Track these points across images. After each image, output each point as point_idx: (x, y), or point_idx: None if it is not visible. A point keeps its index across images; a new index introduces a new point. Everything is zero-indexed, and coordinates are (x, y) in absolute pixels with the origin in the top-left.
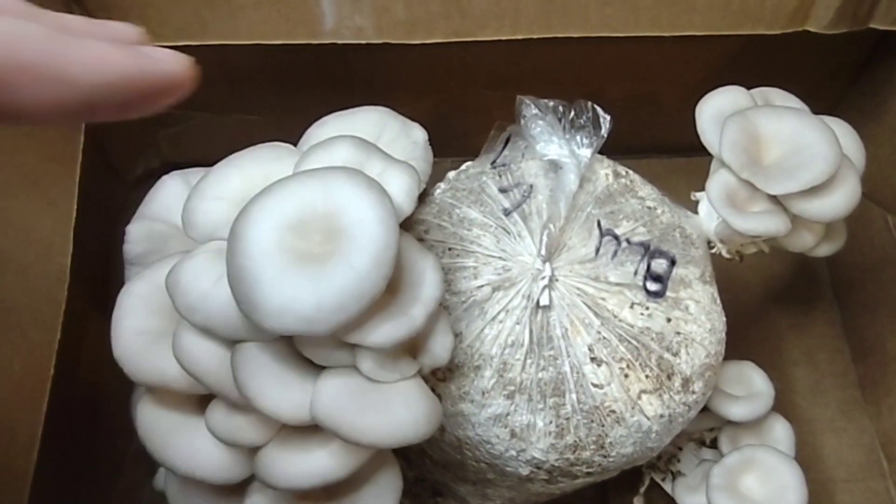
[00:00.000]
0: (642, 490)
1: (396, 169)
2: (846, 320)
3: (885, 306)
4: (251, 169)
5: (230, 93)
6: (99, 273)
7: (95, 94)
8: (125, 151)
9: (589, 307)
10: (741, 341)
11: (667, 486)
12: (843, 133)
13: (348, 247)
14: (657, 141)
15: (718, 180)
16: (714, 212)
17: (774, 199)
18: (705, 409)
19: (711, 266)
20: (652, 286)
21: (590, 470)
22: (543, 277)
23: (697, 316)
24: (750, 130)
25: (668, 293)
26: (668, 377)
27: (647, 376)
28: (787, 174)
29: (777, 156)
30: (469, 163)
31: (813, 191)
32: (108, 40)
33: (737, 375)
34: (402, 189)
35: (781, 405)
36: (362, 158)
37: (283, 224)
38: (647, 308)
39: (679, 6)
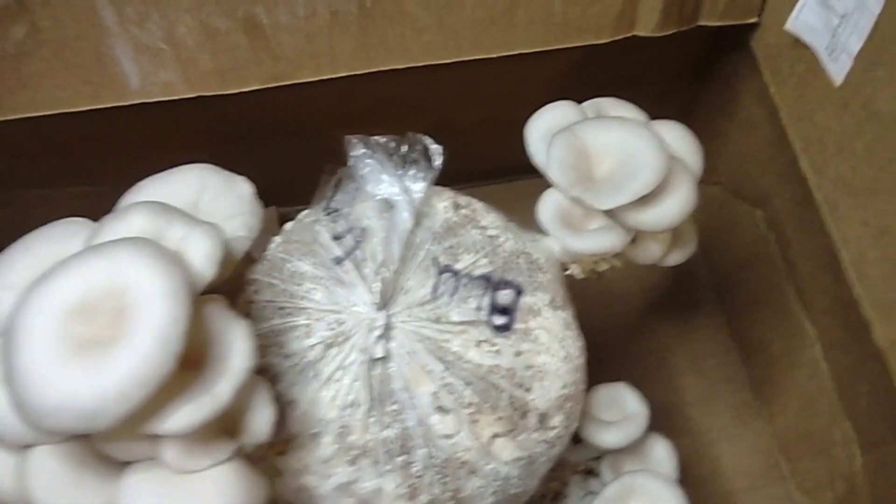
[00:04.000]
0: None
1: (199, 233)
2: (731, 322)
3: (764, 304)
4: (42, 249)
5: (58, 165)
6: None
7: None
8: None
9: (431, 353)
10: (624, 357)
11: None
12: (677, 136)
13: (132, 327)
14: (517, 162)
15: (549, 201)
16: None
17: (610, 213)
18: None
19: (564, 289)
20: (498, 320)
21: None
22: (377, 327)
23: (549, 345)
24: (578, 146)
25: (517, 325)
26: (523, 416)
27: (498, 418)
28: (616, 187)
29: (608, 169)
30: (305, 211)
31: (644, 201)
32: None
33: (609, 399)
34: (202, 254)
35: (672, 419)
36: (161, 225)
37: (63, 310)
38: (495, 344)
39: (498, 25)
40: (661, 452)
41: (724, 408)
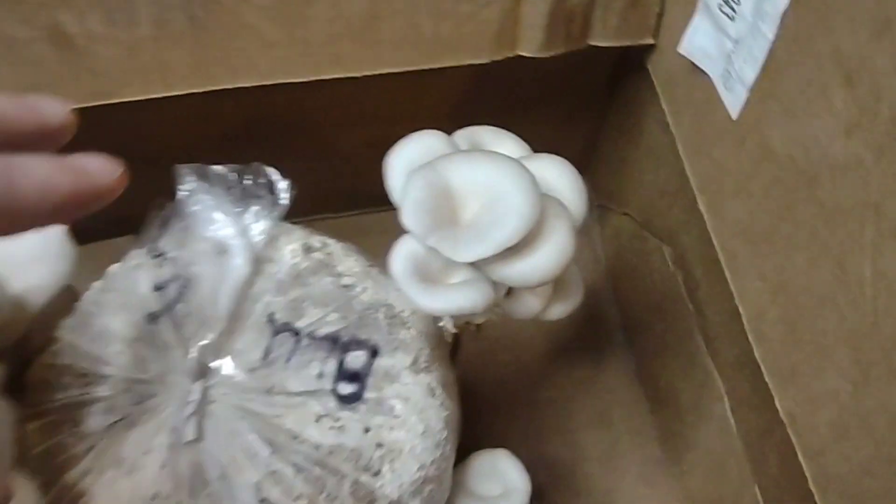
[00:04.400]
0: None
1: None
2: (640, 368)
3: (673, 348)
4: None
5: None
6: None
7: (42, 217)
8: None
9: (257, 432)
10: (526, 407)
11: None
12: (558, 174)
13: None
14: None
15: (402, 251)
16: None
17: (475, 265)
18: None
19: (433, 347)
20: (345, 388)
21: None
22: (190, 402)
23: (406, 418)
24: (439, 185)
25: (368, 394)
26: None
27: None
28: (478, 236)
29: (474, 213)
30: (132, 252)
31: (512, 252)
32: (46, 146)
33: (489, 468)
34: None
35: (573, 477)
36: None
37: None
38: (339, 419)
39: (361, 41)
40: None
41: (630, 464)
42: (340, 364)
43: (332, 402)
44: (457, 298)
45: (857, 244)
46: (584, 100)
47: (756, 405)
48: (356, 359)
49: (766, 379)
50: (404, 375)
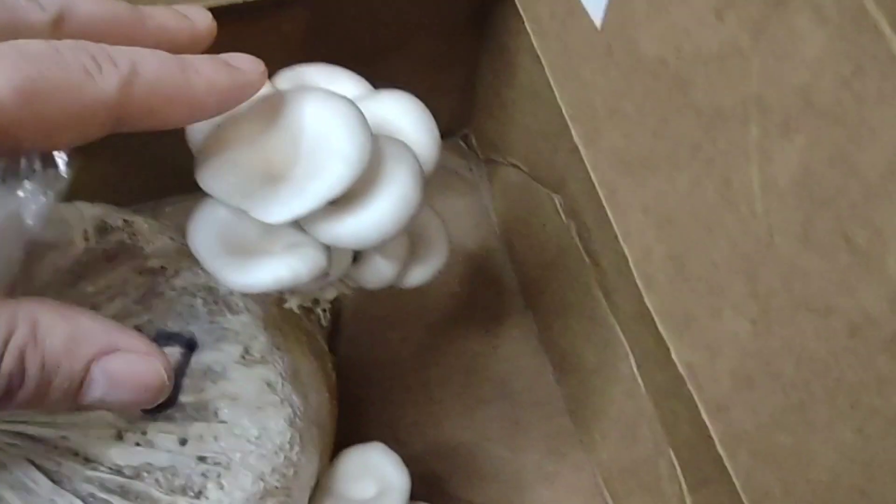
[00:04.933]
0: None
1: None
2: (541, 333)
3: (574, 308)
4: None
5: None
6: None
7: (209, 108)
8: None
9: (33, 462)
10: (420, 388)
11: None
12: (401, 112)
13: None
14: None
15: (203, 217)
16: None
17: (300, 227)
18: None
19: (272, 332)
20: None
21: None
22: None
23: (236, 422)
24: (246, 133)
25: (184, 397)
26: None
27: None
28: (293, 190)
29: (291, 164)
30: None
31: (341, 207)
32: (196, 49)
33: (360, 467)
34: None
35: (475, 462)
36: None
37: None
38: (146, 433)
39: None
40: None
41: (538, 439)
42: None
43: (136, 414)
44: (275, 270)
45: (741, 151)
46: (452, 40)
47: (660, 360)
48: (168, 355)
49: (660, 328)
50: (232, 371)
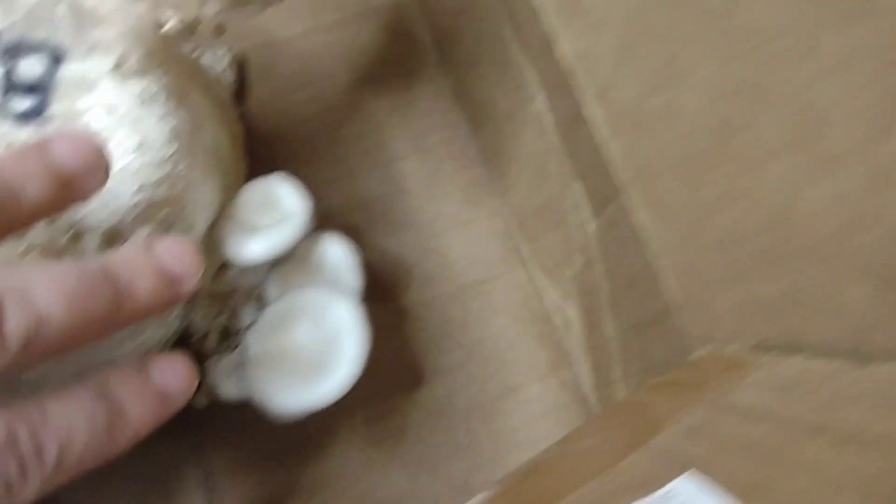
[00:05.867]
0: (204, 383)
1: None
2: (456, 85)
3: (487, 54)
4: None
5: None
6: None
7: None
8: None
9: None
10: (334, 146)
11: None
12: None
13: None
14: None
15: None
16: None
17: None
18: None
19: (150, 51)
20: (21, 104)
21: None
22: None
23: (114, 131)
24: None
25: (56, 107)
26: (76, 238)
27: (27, 252)
28: None
29: None
30: None
31: None
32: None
33: (262, 196)
34: None
35: (393, 213)
36: None
37: None
38: (18, 141)
39: None
40: (337, 256)
41: (454, 190)
42: (8, 73)
43: (5, 124)
44: None
45: None
46: None
47: (564, 91)
48: (31, 66)
49: (554, 21)
50: (105, 81)
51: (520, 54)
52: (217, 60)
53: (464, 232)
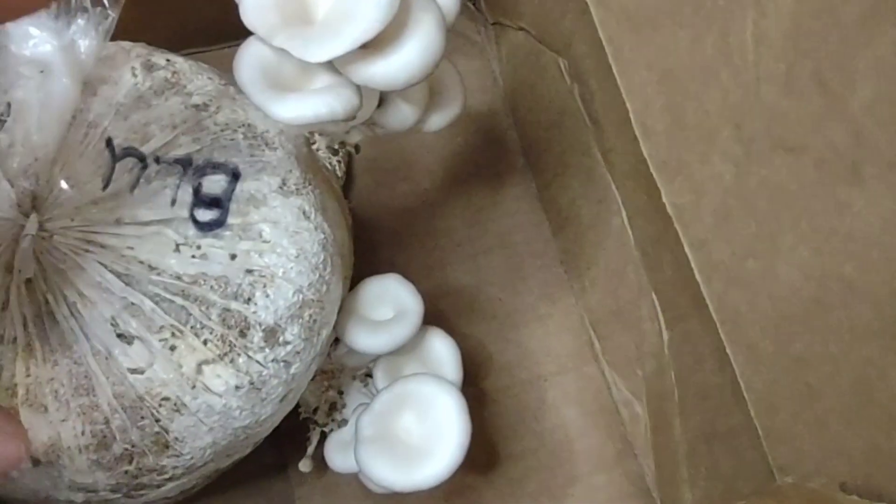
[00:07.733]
0: (310, 451)
1: None
2: (541, 190)
3: (573, 167)
4: None
5: None
6: None
7: None
8: None
9: (105, 266)
10: (426, 236)
11: None
12: None
13: None
14: None
15: (248, 55)
16: None
17: (336, 68)
18: None
19: (304, 169)
20: (204, 215)
21: (169, 475)
22: (25, 237)
23: (277, 242)
24: None
25: (232, 219)
26: (242, 333)
27: (205, 342)
28: (330, 31)
29: (327, 8)
30: None
31: (373, 50)
32: None
33: (380, 293)
34: None
35: (476, 302)
36: None
37: None
38: (200, 247)
39: None
40: (441, 350)
41: (533, 286)
42: (197, 189)
43: (190, 230)
44: (314, 105)
45: (739, 6)
46: None
47: (650, 214)
48: (214, 183)
49: (653, 173)
50: (272, 199)
51: (607, 174)
52: (330, 154)
53: (541, 326)
